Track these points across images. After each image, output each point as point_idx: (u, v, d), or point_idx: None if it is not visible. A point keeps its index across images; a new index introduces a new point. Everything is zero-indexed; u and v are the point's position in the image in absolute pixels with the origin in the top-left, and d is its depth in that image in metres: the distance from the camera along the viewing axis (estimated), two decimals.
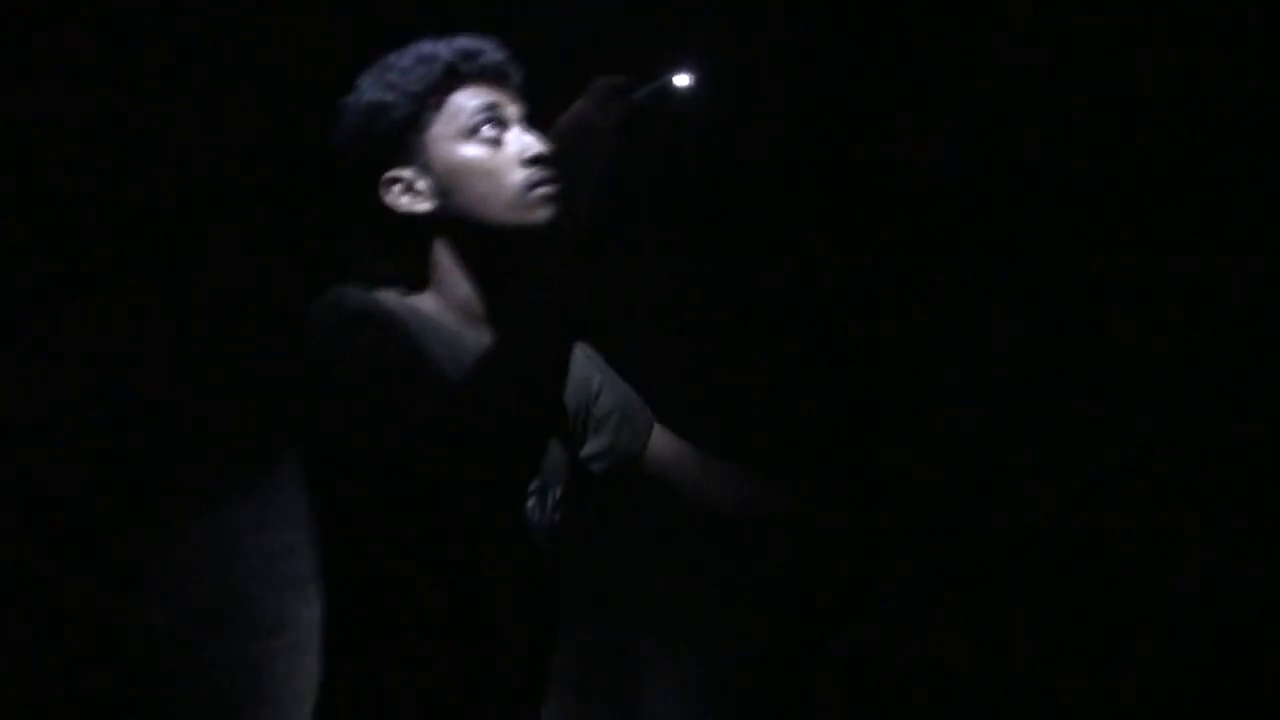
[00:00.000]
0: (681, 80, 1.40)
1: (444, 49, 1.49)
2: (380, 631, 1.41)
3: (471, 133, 1.47)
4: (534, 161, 1.45)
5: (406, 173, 1.47)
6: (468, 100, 1.48)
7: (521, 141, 1.47)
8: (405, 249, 1.49)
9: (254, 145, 2.43)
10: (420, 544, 1.39)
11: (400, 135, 1.47)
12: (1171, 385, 2.22)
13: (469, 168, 1.46)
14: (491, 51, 1.51)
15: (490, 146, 1.47)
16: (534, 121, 1.52)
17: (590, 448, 1.61)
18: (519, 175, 1.45)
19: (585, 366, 1.63)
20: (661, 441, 1.70)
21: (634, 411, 1.68)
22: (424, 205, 1.47)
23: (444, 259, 1.48)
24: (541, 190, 1.43)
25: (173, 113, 2.45)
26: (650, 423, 1.70)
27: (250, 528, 2.50)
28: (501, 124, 1.48)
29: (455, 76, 1.48)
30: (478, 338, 1.44)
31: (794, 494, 1.76)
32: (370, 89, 1.48)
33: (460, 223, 1.46)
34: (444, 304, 1.48)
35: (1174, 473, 2.20)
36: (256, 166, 2.44)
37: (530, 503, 1.47)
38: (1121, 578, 2.23)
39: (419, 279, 1.49)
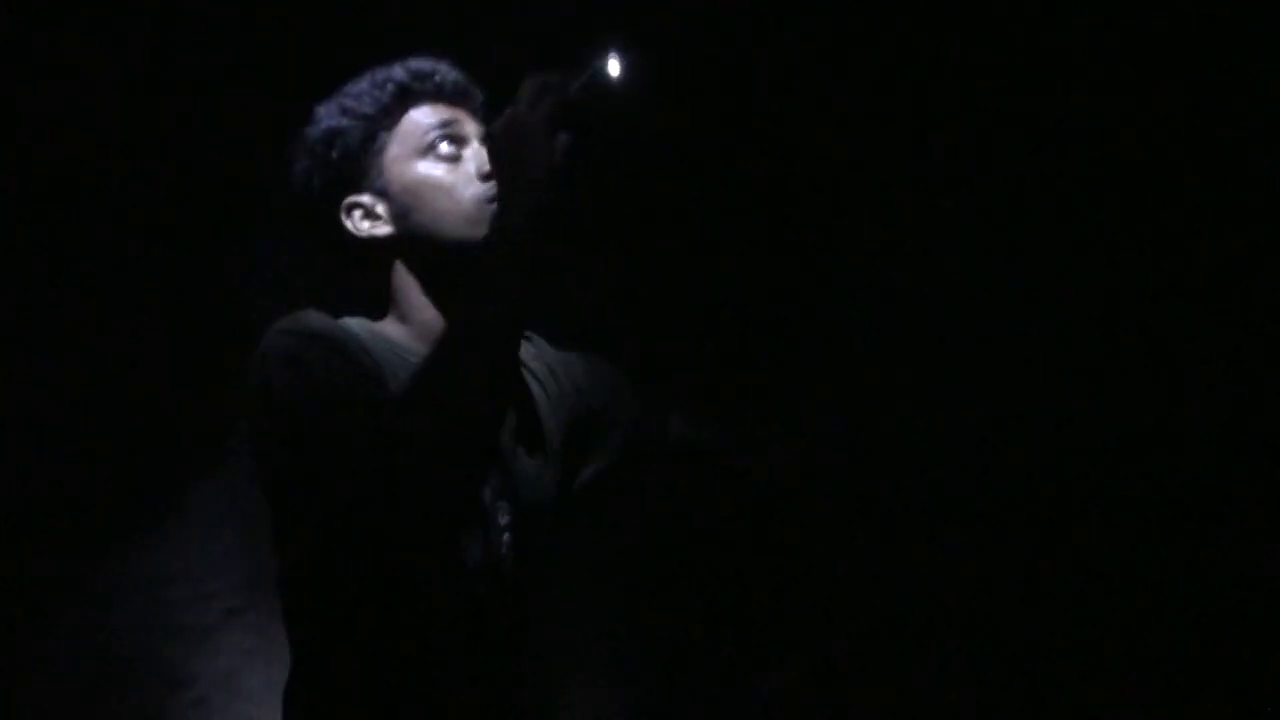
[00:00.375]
0: (612, 68, 1.34)
1: (397, 70, 1.47)
2: (333, 655, 1.37)
3: (428, 150, 1.45)
4: (492, 175, 1.41)
5: (365, 198, 1.45)
6: (423, 118, 1.46)
7: (480, 157, 1.44)
8: (370, 275, 1.47)
9: (254, 145, 2.43)
10: (371, 573, 1.35)
11: (358, 160, 1.45)
12: (1172, 385, 2.22)
13: (426, 184, 1.43)
14: (445, 71, 1.49)
15: (447, 163, 1.44)
16: None
17: (598, 463, 1.58)
18: (476, 190, 1.42)
19: (584, 384, 1.59)
20: (678, 418, 1.69)
21: (649, 407, 1.66)
22: (384, 229, 1.44)
23: (407, 283, 1.45)
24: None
25: (175, 113, 2.45)
26: (666, 407, 1.69)
27: (152, 578, 2.44)
28: (459, 141, 1.46)
29: (409, 96, 1.46)
30: None
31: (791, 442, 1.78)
32: (326, 117, 1.47)
33: (420, 242, 1.44)
34: (410, 329, 1.45)
35: (1174, 472, 2.20)
36: (256, 166, 2.44)
37: (505, 537, 1.42)
38: (1121, 576, 2.24)
39: (385, 305, 1.47)
